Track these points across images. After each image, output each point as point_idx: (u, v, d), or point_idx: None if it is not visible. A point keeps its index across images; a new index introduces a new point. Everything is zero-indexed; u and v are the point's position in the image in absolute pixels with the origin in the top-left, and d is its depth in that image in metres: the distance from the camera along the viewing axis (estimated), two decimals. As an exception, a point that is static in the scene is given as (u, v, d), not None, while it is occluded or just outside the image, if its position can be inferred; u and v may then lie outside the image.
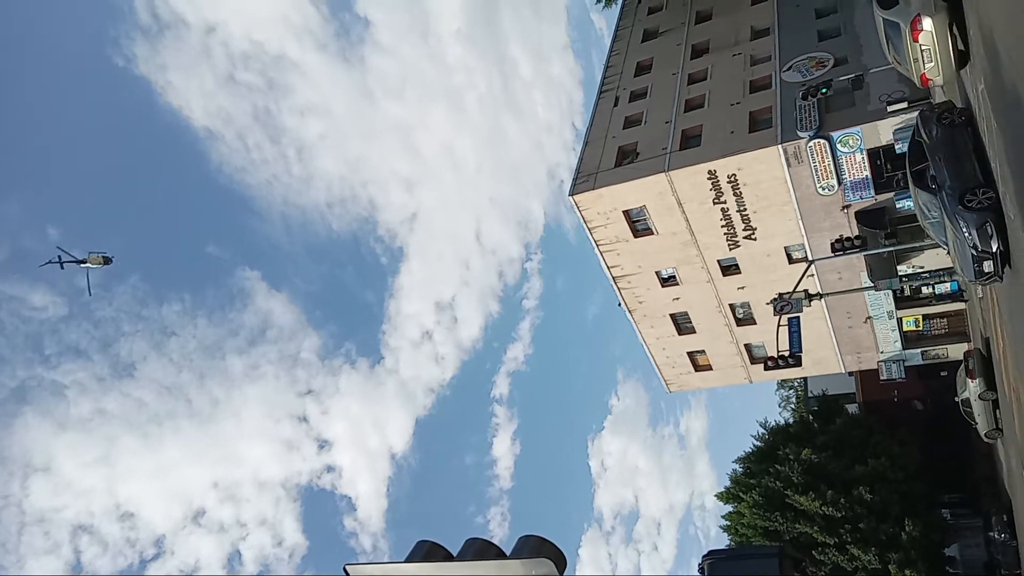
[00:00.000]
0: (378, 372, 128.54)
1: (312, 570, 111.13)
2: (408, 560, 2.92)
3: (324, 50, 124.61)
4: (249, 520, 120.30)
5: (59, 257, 37.44)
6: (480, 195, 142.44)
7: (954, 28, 16.52)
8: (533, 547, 2.69)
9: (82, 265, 38.12)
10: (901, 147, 28.88)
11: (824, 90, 30.04)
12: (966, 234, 15.66)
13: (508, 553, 2.87)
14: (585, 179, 36.14)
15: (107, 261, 39.81)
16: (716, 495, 41.52)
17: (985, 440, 29.85)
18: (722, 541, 44.08)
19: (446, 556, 2.89)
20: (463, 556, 2.85)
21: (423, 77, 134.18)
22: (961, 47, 16.88)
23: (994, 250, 15.38)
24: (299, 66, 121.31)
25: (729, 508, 40.31)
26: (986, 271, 15.81)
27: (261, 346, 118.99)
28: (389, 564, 2.92)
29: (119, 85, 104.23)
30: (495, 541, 3.01)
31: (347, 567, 2.89)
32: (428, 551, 2.92)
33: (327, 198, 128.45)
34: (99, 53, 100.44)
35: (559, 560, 2.67)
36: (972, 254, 15.77)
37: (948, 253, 20.27)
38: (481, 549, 2.86)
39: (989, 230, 15.21)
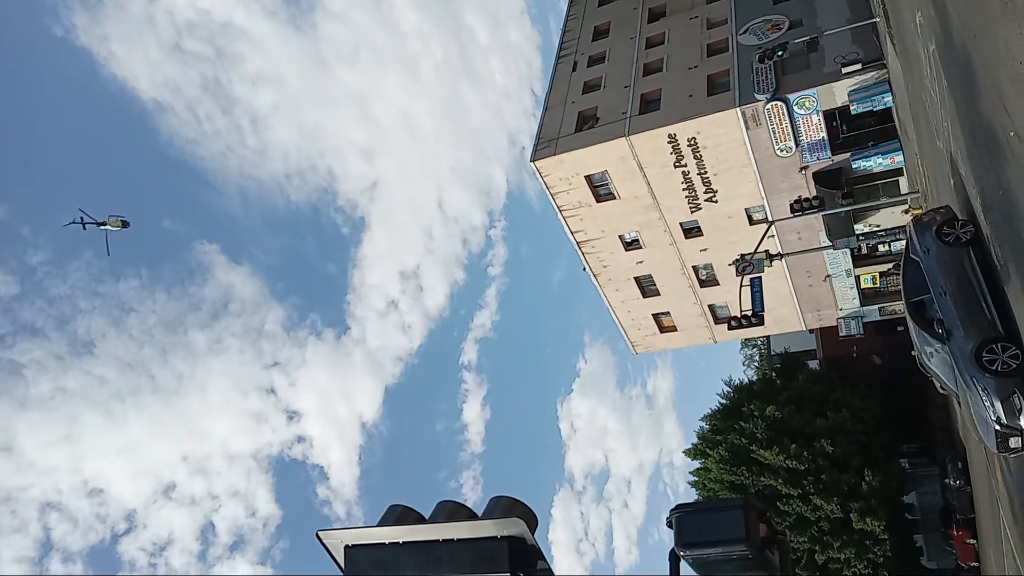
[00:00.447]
0: (344, 343, 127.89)
1: (287, 537, 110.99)
2: (380, 524, 2.98)
3: (274, 17, 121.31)
4: (221, 492, 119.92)
5: (81, 218, 38.86)
6: (440, 163, 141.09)
7: None
8: (504, 507, 2.77)
9: (101, 227, 39.59)
10: (856, 108, 29.30)
11: (780, 53, 30.23)
12: (986, 403, 12.87)
13: (480, 514, 2.94)
14: (546, 145, 36.06)
15: (125, 224, 41.22)
16: (684, 452, 42.41)
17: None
18: (691, 496, 45.16)
19: (418, 519, 2.96)
20: (435, 518, 2.93)
21: (377, 44, 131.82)
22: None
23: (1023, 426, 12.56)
24: (248, 34, 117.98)
25: (697, 464, 41.21)
26: (1012, 447, 12.93)
27: (224, 320, 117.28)
28: (362, 528, 2.98)
29: (59, 57, 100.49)
30: (468, 504, 3.07)
31: (319, 533, 2.95)
32: (400, 514, 2.99)
33: (284, 169, 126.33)
34: (36, 23, 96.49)
35: (530, 519, 2.76)
36: (995, 429, 12.83)
37: (958, 404, 17.61)
38: (453, 511, 2.93)
39: (1018, 403, 12.34)
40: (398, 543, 2.94)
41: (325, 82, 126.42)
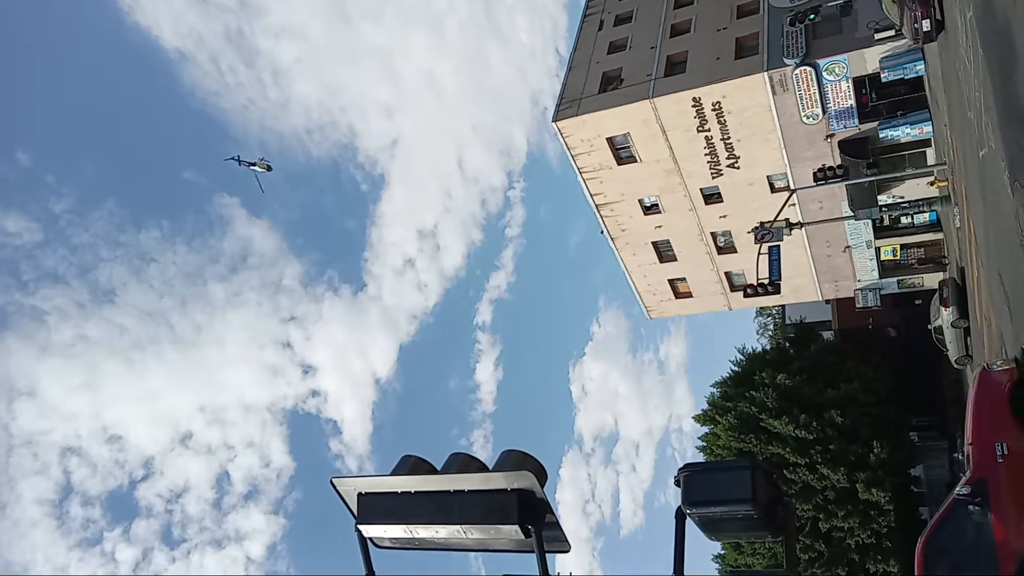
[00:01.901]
0: (361, 299, 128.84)
1: (300, 488, 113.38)
2: (393, 473, 3.03)
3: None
4: (236, 443, 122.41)
5: (238, 157, 45.53)
6: (462, 122, 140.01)
7: None
8: (515, 460, 2.81)
9: (251, 167, 45.28)
10: (887, 76, 28.66)
11: (812, 16, 29.57)
12: None
13: (491, 467, 2.98)
14: (569, 105, 35.65)
15: (269, 168, 46.84)
16: (693, 417, 42.58)
17: (955, 366, 30.71)
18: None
19: (430, 470, 3.01)
20: (447, 469, 2.97)
21: (403, 1, 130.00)
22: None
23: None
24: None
25: (705, 430, 41.42)
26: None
27: (242, 273, 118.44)
28: (375, 477, 3.03)
29: (83, 4, 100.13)
30: (482, 460, 3.12)
31: (334, 480, 3.01)
32: (413, 465, 3.03)
33: (305, 124, 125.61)
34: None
35: (540, 473, 2.79)
36: None
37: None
38: (464, 463, 2.97)
39: None
40: (410, 492, 3.00)
41: (349, 37, 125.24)
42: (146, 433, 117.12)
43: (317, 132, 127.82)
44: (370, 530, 3.05)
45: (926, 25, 19.66)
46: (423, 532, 2.96)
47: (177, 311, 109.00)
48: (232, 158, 44.22)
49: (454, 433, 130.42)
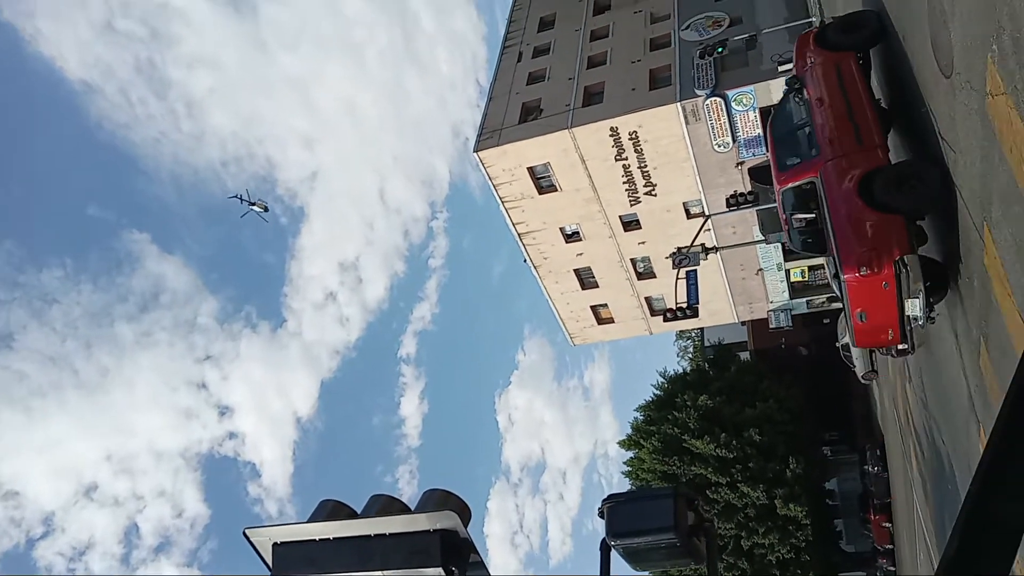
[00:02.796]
0: (280, 335, 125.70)
1: (216, 538, 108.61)
2: (311, 520, 2.91)
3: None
4: (146, 492, 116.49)
5: (242, 196, 47.81)
6: (383, 153, 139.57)
7: None
8: (438, 500, 2.74)
9: (252, 206, 47.70)
10: (791, 106, 30.04)
11: (720, 49, 30.80)
12: None
13: (413, 508, 2.90)
14: (489, 135, 35.95)
15: (266, 208, 49.27)
16: (618, 443, 43.09)
17: (862, 382, 32.12)
18: (624, 486, 45.90)
19: (350, 514, 2.89)
20: (367, 513, 2.87)
21: (320, 30, 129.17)
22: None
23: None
24: (185, 14, 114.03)
25: (630, 454, 41.94)
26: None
27: (154, 312, 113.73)
28: (291, 525, 2.90)
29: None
30: (403, 498, 3.03)
31: (247, 531, 2.86)
32: (332, 510, 2.92)
33: (221, 156, 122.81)
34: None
35: (463, 512, 2.73)
36: None
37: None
38: (385, 505, 2.88)
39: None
40: (329, 539, 2.88)
41: (266, 67, 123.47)
42: (46, 487, 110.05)
43: (233, 164, 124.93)
44: (286, 581, 2.91)
45: None
46: (343, 580, 2.85)
47: (82, 354, 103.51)
48: (235, 196, 46.82)
49: (379, 470, 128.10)
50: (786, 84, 13.61)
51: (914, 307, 11.22)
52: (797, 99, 13.04)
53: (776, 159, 13.36)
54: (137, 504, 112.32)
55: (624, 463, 42.77)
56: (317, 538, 2.88)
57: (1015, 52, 5.83)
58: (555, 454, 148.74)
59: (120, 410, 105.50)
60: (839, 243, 11.61)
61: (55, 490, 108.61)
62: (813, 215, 12.47)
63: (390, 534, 2.76)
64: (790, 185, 12.83)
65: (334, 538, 2.86)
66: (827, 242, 12.21)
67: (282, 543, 2.91)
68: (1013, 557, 1.04)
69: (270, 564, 2.93)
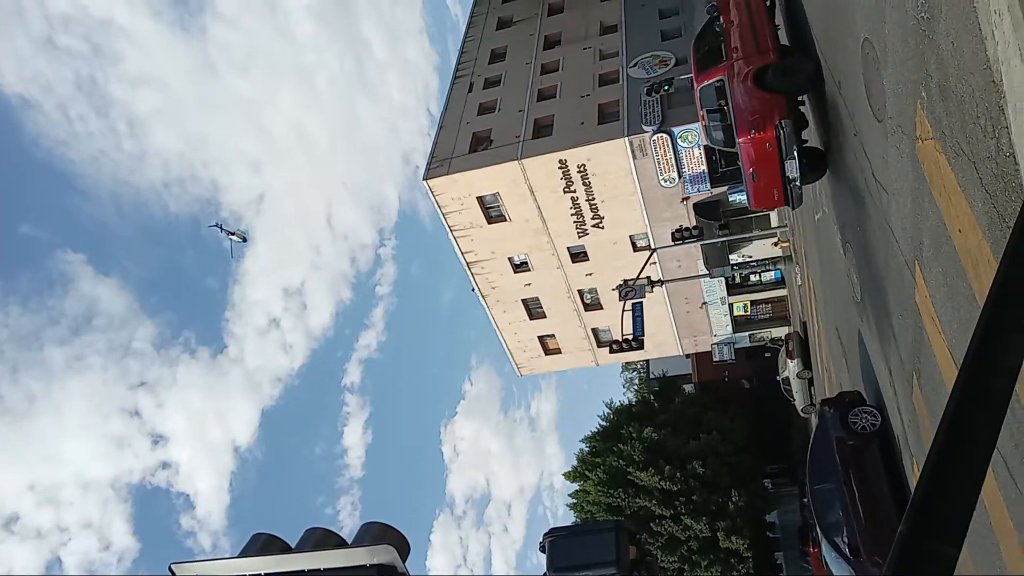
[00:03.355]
0: (221, 362, 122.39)
1: (144, 571, 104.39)
2: (242, 554, 2.80)
3: (159, 17, 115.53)
4: (71, 524, 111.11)
5: (220, 225, 49.46)
6: (332, 178, 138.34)
7: None
8: (375, 534, 2.67)
9: (231, 236, 48.77)
10: (734, 144, 30.93)
11: (666, 87, 31.60)
12: None
13: (350, 542, 2.82)
14: (439, 164, 36.04)
15: (244, 239, 50.68)
16: (564, 475, 43.03)
17: (802, 415, 32.83)
18: (569, 518, 45.75)
19: (284, 548, 2.80)
20: (302, 547, 2.78)
21: (271, 53, 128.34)
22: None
23: None
24: (129, 33, 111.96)
25: (576, 486, 41.90)
26: None
27: (86, 335, 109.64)
28: (219, 560, 2.80)
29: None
30: (345, 532, 2.95)
31: (172, 566, 2.75)
32: (264, 544, 2.82)
33: (164, 177, 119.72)
34: None
35: (402, 546, 2.67)
36: None
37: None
38: (321, 539, 2.79)
39: None
40: (260, 575, 2.77)
41: (213, 88, 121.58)
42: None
43: (176, 186, 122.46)
44: (214, 619, 2.78)
45: None
46: (274, 618, 2.74)
47: (7, 379, 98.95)
48: (215, 224, 48.41)
49: (320, 501, 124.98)
50: (707, 12, 17.47)
51: (792, 168, 14.31)
52: (715, 24, 16.35)
53: (696, 67, 16.55)
54: (61, 536, 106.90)
55: (569, 495, 42.73)
56: (248, 574, 2.77)
57: (942, 99, 6.11)
58: (500, 486, 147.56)
59: (47, 437, 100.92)
60: (737, 119, 14.72)
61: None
62: (721, 107, 15.62)
63: (325, 569, 2.68)
64: (706, 83, 15.84)
65: (265, 574, 2.76)
66: (732, 132, 15.30)
67: (210, 580, 2.79)
68: None
69: (197, 602, 2.80)
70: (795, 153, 14.01)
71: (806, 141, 15.26)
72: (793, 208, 16.28)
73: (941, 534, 1.08)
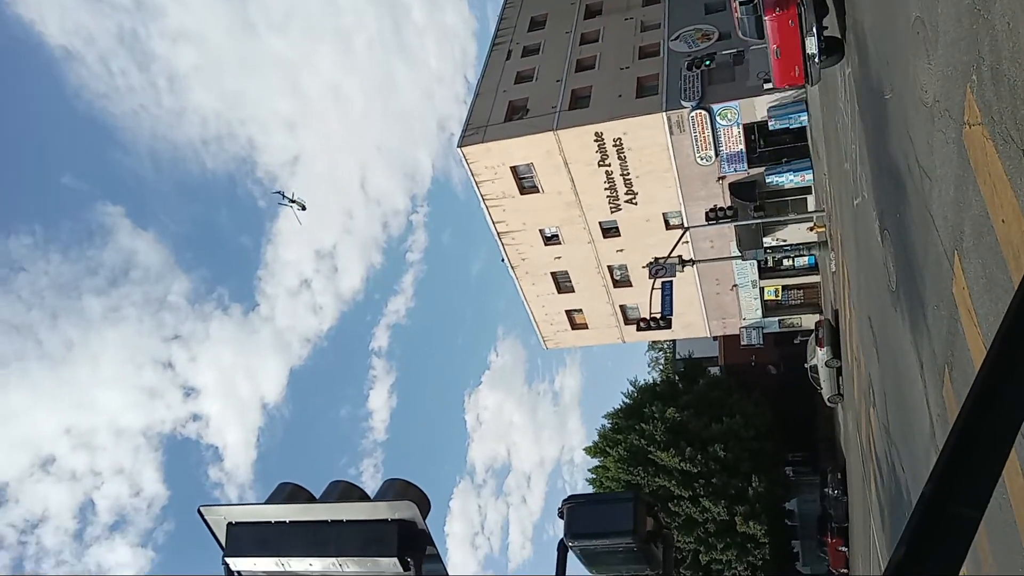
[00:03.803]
0: (252, 319, 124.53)
1: (172, 519, 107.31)
2: (268, 501, 2.86)
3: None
4: (104, 469, 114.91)
5: (281, 192, 51.03)
6: (367, 142, 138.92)
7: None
8: (397, 490, 2.71)
9: (291, 203, 50.20)
10: (774, 124, 30.40)
11: (708, 62, 31.05)
12: None
13: (372, 497, 2.87)
14: (474, 131, 35.93)
15: (303, 207, 51.50)
16: (584, 449, 43.18)
17: (828, 404, 32.50)
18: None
19: (309, 498, 2.85)
20: (326, 498, 2.83)
21: (310, 13, 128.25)
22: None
23: None
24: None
25: (596, 462, 42.05)
26: None
27: (123, 287, 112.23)
28: (247, 505, 2.86)
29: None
30: (365, 490, 3.00)
31: (201, 508, 2.82)
32: (290, 493, 2.87)
33: (201, 134, 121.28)
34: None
35: (423, 503, 2.70)
36: None
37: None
38: (345, 491, 2.84)
39: None
40: (284, 522, 2.83)
41: (252, 47, 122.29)
42: (1, 457, 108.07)
43: (214, 143, 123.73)
44: (239, 563, 2.86)
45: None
46: (296, 565, 2.80)
47: (47, 325, 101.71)
48: (276, 192, 51.24)
49: (343, 462, 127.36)
50: None
51: (811, 44, 16.82)
52: None
53: None
54: (94, 480, 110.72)
55: (589, 470, 42.88)
56: (273, 520, 2.83)
57: (994, 83, 5.93)
58: (521, 457, 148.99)
59: (83, 385, 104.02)
60: (764, 3, 17.26)
61: (10, 461, 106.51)
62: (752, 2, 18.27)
63: (347, 521, 2.72)
64: None
65: (290, 521, 2.81)
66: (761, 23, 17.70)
67: (237, 523, 2.86)
68: (961, 563, 1.05)
69: (223, 544, 2.88)
70: (815, 30, 16.25)
71: (826, 28, 17.01)
72: (812, 84, 18.92)
73: (965, 497, 1.08)
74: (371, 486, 2.90)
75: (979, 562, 7.51)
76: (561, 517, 2.89)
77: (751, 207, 32.60)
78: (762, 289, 38.51)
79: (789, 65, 17.75)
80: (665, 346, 63.35)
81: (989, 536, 7.16)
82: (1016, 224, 5.74)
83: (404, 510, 2.69)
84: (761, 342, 40.39)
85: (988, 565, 7.34)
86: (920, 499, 1.09)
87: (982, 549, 7.37)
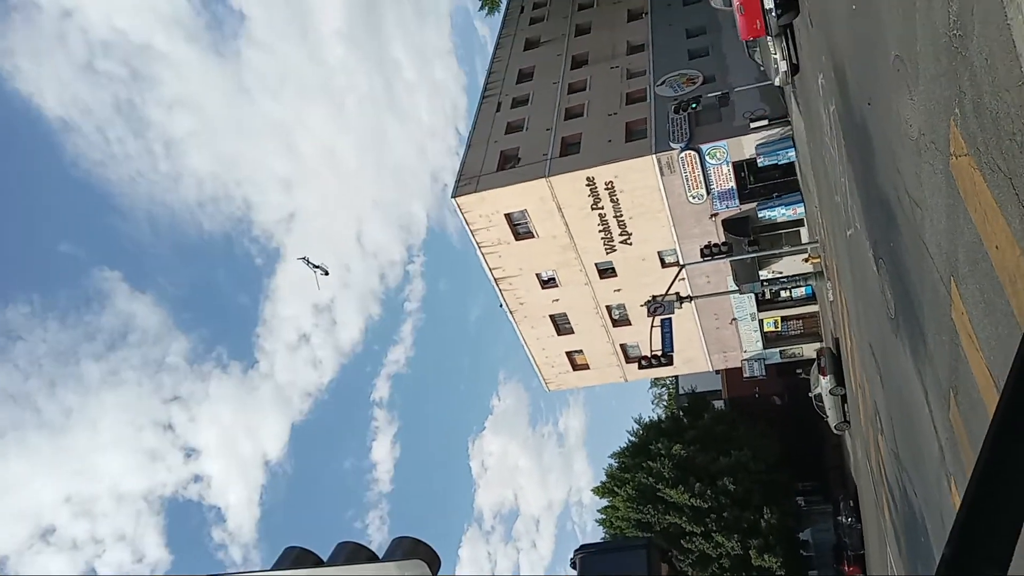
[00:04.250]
0: (252, 377, 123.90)
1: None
2: (275, 568, 2.84)
3: (195, 42, 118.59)
4: (106, 536, 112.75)
5: (307, 258, 52.10)
6: (361, 197, 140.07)
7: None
8: (406, 549, 2.70)
9: (316, 268, 51.53)
10: (763, 161, 30.87)
11: (694, 105, 31.64)
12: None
13: (381, 556, 2.87)
14: (468, 182, 36.36)
15: (326, 273, 53.23)
16: (592, 490, 42.74)
17: (835, 432, 32.31)
18: (598, 534, 45.43)
19: (316, 562, 2.84)
20: (333, 561, 2.82)
21: (302, 76, 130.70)
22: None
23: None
24: (166, 57, 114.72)
25: (604, 502, 41.59)
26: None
27: (121, 350, 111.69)
28: (253, 573, 2.85)
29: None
30: (374, 546, 2.98)
31: (211, 580, 2.82)
32: (296, 557, 2.84)
33: (198, 196, 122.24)
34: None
35: (432, 561, 2.70)
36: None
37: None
38: (352, 553, 2.82)
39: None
40: (294, 588, 2.84)
41: (246, 111, 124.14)
42: (1, 529, 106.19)
43: (210, 205, 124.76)
44: (249, 633, 2.86)
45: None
46: (308, 631, 2.81)
47: (44, 393, 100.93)
48: (302, 258, 52.19)
49: (349, 515, 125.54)
50: None
51: (768, 1, 20.14)
52: None
53: None
54: (96, 548, 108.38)
55: (598, 511, 42.44)
56: (281, 589, 2.84)
57: (976, 116, 6.12)
58: (528, 501, 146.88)
59: (82, 451, 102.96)
60: None
61: (10, 533, 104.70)
62: None
63: (357, 583, 2.74)
64: None
65: (300, 587, 2.82)
66: None
67: (246, 593, 2.87)
68: None
69: (232, 614, 2.88)
70: None
71: None
72: (771, 35, 21.36)
73: (986, 557, 1.06)
74: (377, 539, 2.91)
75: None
76: (573, 568, 2.90)
77: (745, 242, 32.88)
78: (761, 321, 38.59)
79: (751, 20, 20.65)
80: (668, 382, 63.11)
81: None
82: (1010, 250, 5.87)
83: (414, 569, 2.69)
84: (764, 374, 40.31)
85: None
86: (941, 560, 1.08)
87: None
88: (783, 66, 23.68)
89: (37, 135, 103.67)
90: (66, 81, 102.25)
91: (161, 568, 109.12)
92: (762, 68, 28.12)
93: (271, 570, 2.85)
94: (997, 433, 1.13)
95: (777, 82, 25.48)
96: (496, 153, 37.36)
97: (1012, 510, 1.08)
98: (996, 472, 1.09)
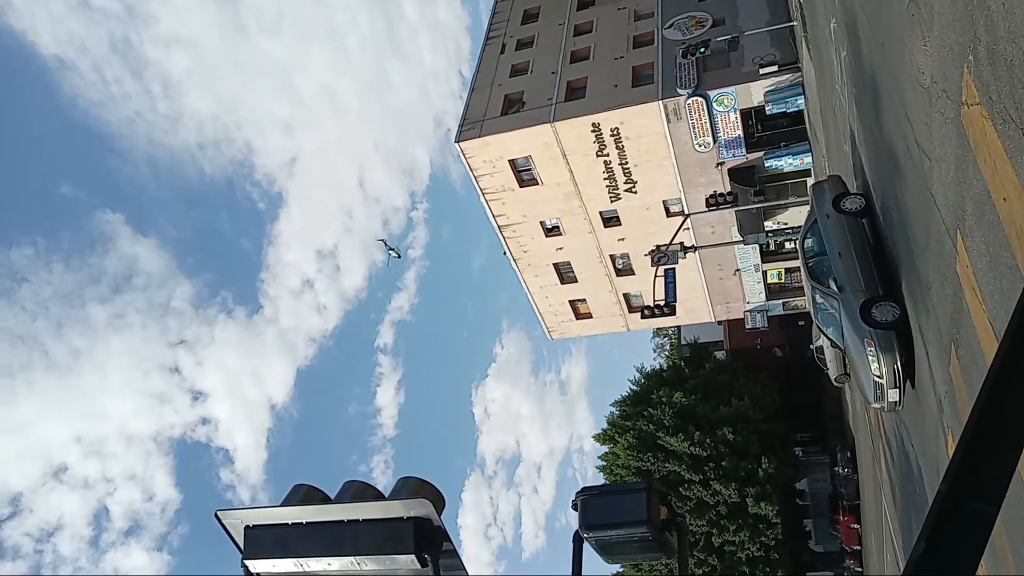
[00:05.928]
0: (256, 321, 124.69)
1: (187, 522, 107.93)
2: (284, 504, 2.90)
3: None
4: (116, 475, 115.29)
5: (385, 241, 60.94)
6: (364, 141, 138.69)
7: None
8: (412, 488, 2.74)
9: (390, 251, 57.09)
10: (771, 109, 30.32)
11: (702, 49, 30.94)
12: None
13: (387, 495, 2.90)
14: (471, 126, 35.89)
15: (399, 256, 58.25)
16: (593, 436, 43.29)
17: (835, 384, 32.49)
18: (598, 481, 46.16)
19: (323, 499, 2.89)
20: (341, 498, 2.87)
21: (302, 14, 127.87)
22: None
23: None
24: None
25: (605, 449, 42.17)
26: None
27: (126, 294, 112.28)
28: (263, 508, 2.90)
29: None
30: (378, 487, 3.03)
31: (218, 513, 2.85)
32: (305, 494, 2.91)
33: (198, 139, 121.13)
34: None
35: (437, 500, 2.74)
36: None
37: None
38: (359, 491, 2.87)
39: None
40: (301, 523, 2.87)
41: (245, 50, 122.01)
42: (13, 468, 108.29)
43: (211, 148, 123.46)
44: (257, 565, 2.90)
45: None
46: (315, 565, 2.84)
47: (52, 335, 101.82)
48: (381, 240, 56.96)
49: (353, 459, 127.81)
50: None
51: None
52: None
53: None
54: (107, 487, 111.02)
55: (599, 458, 43.04)
56: (290, 522, 2.87)
57: (990, 63, 5.93)
58: (530, 447, 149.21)
59: (91, 392, 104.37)
60: None
61: (22, 472, 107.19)
62: None
63: (363, 520, 2.76)
64: None
65: (307, 523, 2.85)
66: None
67: (254, 526, 2.90)
68: (979, 558, 1.08)
69: (241, 547, 2.92)
70: None
71: None
72: None
73: (981, 493, 1.09)
74: (382, 482, 2.95)
75: (998, 557, 7.55)
76: (575, 509, 2.92)
77: (751, 192, 32.56)
78: (765, 272, 38.49)
79: None
80: (670, 332, 63.36)
81: (1007, 531, 7.21)
82: (1018, 202, 5.76)
83: (419, 507, 2.72)
84: (766, 325, 40.40)
85: (1007, 559, 7.38)
86: (936, 496, 1.10)
87: (1000, 544, 7.40)
88: None
89: (33, 73, 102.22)
90: (60, 18, 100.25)
91: (171, 507, 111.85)
92: None
93: (280, 505, 2.89)
94: (998, 373, 1.15)
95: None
96: (500, 97, 36.78)
97: (1007, 449, 1.11)
98: (994, 410, 1.12)
